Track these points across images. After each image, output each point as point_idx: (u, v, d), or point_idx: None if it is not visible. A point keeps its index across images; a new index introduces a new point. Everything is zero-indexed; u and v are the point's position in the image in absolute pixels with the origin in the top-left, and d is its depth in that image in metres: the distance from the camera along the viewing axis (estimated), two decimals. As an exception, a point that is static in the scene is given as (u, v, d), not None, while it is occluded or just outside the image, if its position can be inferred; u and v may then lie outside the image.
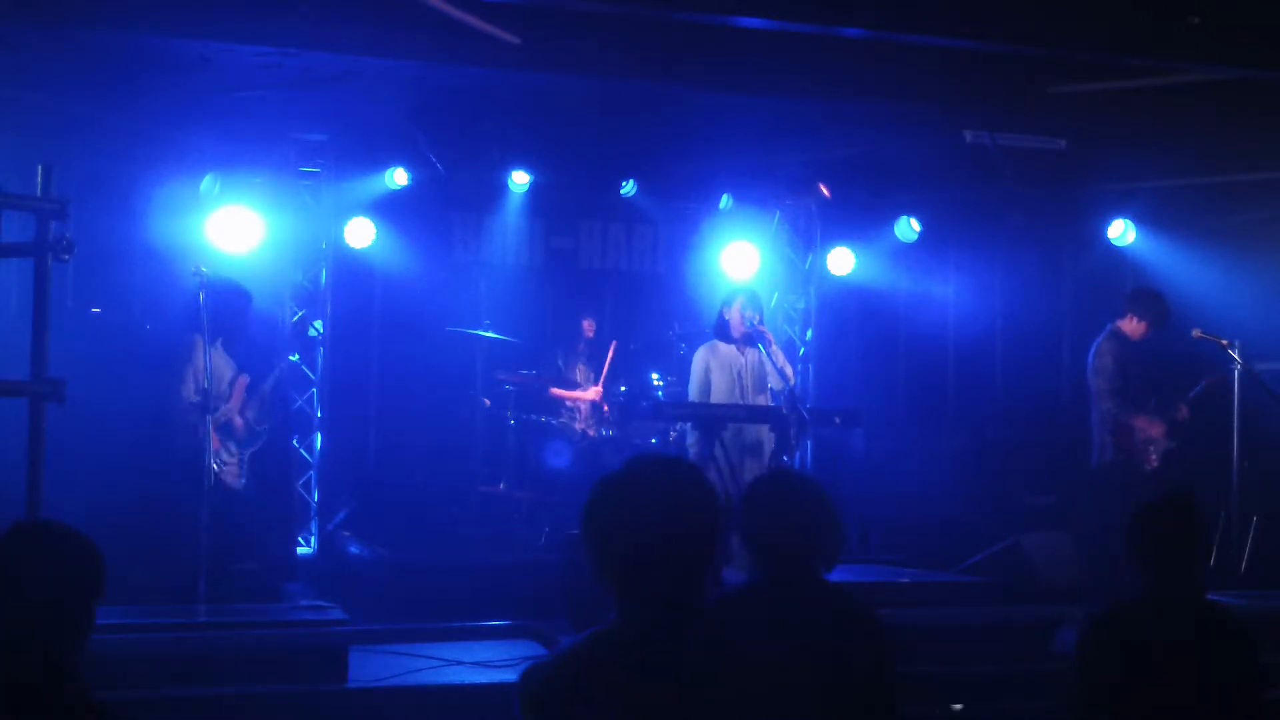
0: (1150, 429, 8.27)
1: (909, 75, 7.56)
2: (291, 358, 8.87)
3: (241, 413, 7.31)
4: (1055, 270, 11.13)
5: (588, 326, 9.51)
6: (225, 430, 7.15)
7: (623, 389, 9.42)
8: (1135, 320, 8.36)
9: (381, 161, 9.16)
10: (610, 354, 9.35)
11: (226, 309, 7.09)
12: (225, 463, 7.11)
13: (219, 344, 7.26)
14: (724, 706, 2.46)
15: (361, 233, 9.25)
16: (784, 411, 7.82)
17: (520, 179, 9.61)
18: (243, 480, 7.26)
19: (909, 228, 10.28)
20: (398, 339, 9.85)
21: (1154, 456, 8.28)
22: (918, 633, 6.08)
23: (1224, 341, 8.15)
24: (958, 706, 5.49)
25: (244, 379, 7.39)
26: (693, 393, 8.19)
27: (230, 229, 8.34)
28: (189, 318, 7.16)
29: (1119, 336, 8.37)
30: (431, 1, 6.63)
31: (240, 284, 7.40)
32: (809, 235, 10.55)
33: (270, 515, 7.52)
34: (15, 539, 2.67)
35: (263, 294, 8.38)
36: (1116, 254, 10.33)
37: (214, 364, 7.02)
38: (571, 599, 6.51)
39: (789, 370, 8.11)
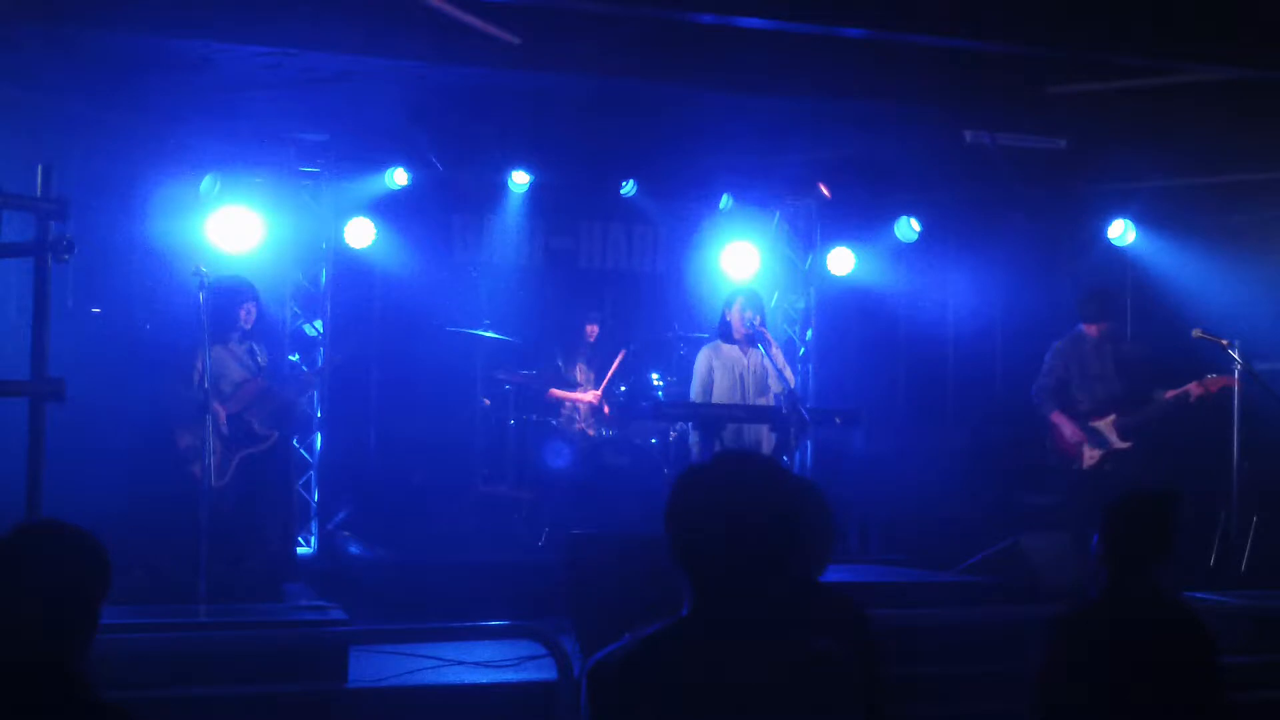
0: (1065, 426, 8.45)
1: (909, 75, 7.56)
2: (291, 357, 8.89)
3: (242, 414, 7.29)
4: (1055, 270, 11.12)
5: (590, 331, 9.49)
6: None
7: (623, 389, 9.41)
8: (1086, 324, 8.57)
9: (381, 161, 9.15)
10: (616, 362, 9.34)
11: (218, 304, 7.06)
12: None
13: (231, 342, 7.27)
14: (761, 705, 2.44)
15: (361, 233, 9.25)
16: (784, 412, 7.83)
17: (520, 179, 9.60)
18: (225, 480, 7.20)
19: (909, 228, 10.27)
20: (397, 339, 9.85)
21: (1089, 454, 8.40)
22: (918, 633, 6.08)
23: (1224, 341, 8.16)
24: None
25: (257, 382, 7.37)
26: (694, 393, 8.20)
27: (230, 229, 8.34)
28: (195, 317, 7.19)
29: (1075, 338, 8.60)
30: (431, 1, 6.63)
31: (237, 278, 7.40)
32: (809, 235, 10.55)
33: (257, 519, 7.46)
34: (21, 538, 2.67)
35: (263, 294, 8.39)
36: (1116, 254, 10.32)
37: (219, 362, 7.03)
38: (572, 599, 6.50)
39: (788, 372, 8.12)
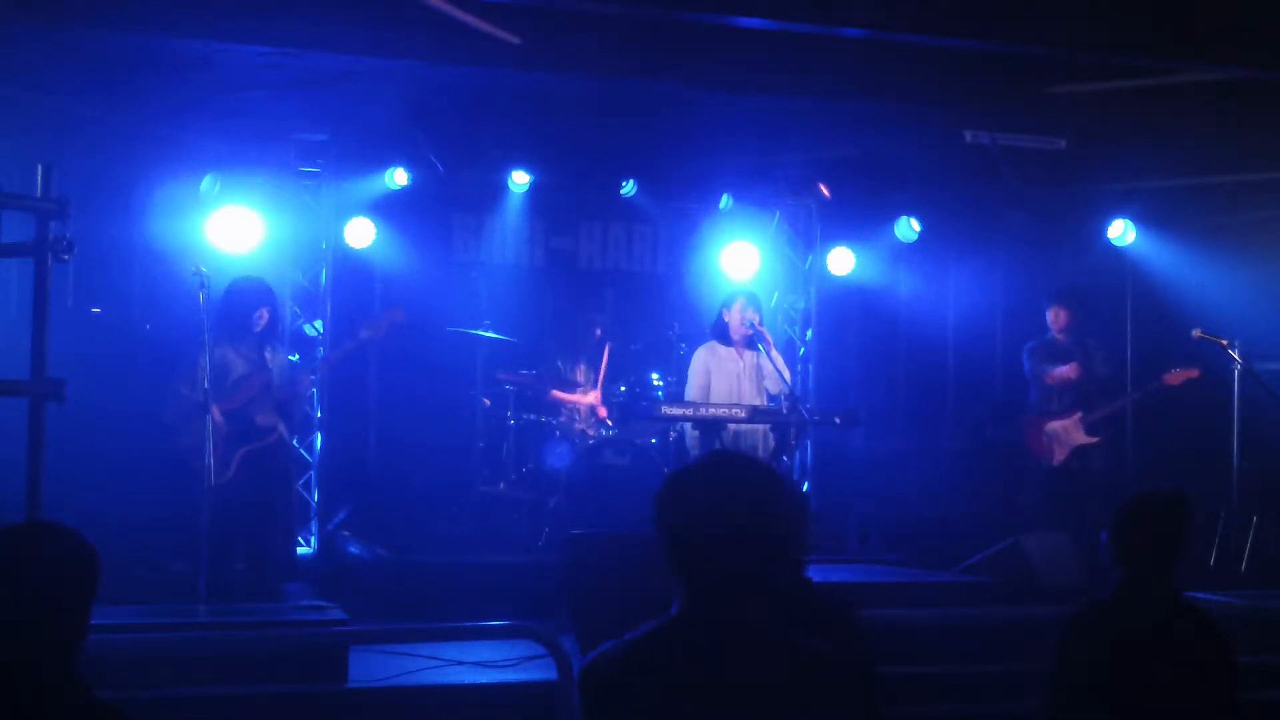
0: (1043, 427, 8.82)
1: (909, 75, 7.56)
2: (291, 357, 8.87)
3: (243, 409, 7.27)
4: (1055, 270, 11.13)
5: (590, 331, 9.48)
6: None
7: (622, 389, 9.40)
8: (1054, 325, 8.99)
9: (381, 161, 9.15)
10: (605, 357, 9.32)
11: (235, 304, 7.12)
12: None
13: (240, 342, 7.26)
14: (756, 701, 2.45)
15: (361, 233, 9.25)
16: (783, 412, 7.83)
17: (520, 179, 9.59)
18: (228, 476, 7.17)
19: (909, 228, 10.27)
20: (397, 339, 9.82)
21: (1059, 452, 8.72)
22: (918, 633, 6.09)
23: (1224, 341, 8.17)
24: None
25: (261, 376, 7.34)
26: (690, 394, 8.19)
27: (230, 229, 8.35)
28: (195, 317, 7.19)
29: (1047, 342, 9.00)
30: (431, 1, 6.63)
31: (256, 281, 7.41)
32: (809, 235, 10.55)
33: (260, 516, 7.44)
34: (10, 539, 2.66)
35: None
36: (1116, 254, 10.32)
37: (223, 360, 7.03)
38: (572, 599, 6.50)
39: (786, 373, 8.12)
